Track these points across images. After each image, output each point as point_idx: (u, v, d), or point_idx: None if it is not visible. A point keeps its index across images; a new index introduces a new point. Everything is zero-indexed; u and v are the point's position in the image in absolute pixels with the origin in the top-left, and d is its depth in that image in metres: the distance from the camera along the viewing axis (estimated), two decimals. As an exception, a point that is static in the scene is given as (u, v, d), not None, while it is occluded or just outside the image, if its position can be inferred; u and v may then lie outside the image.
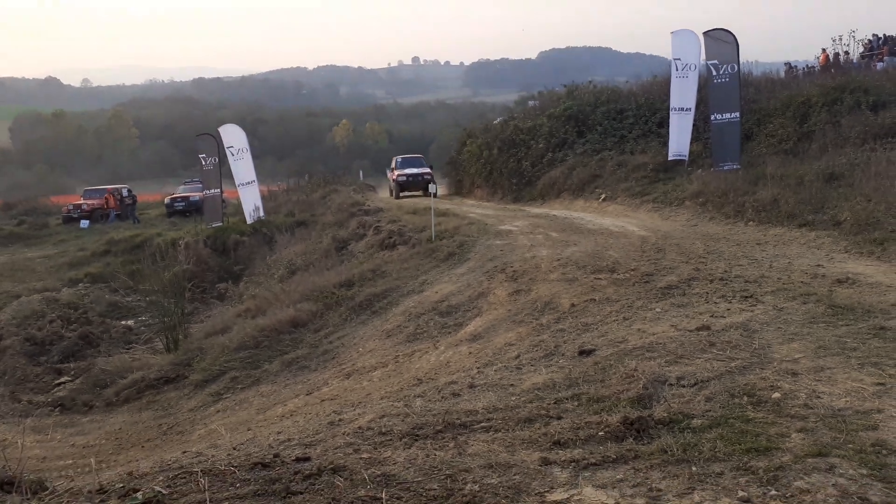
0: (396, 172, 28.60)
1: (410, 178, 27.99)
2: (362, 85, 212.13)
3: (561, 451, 4.26)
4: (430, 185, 18.49)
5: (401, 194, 27.60)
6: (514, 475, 3.92)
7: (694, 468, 3.78)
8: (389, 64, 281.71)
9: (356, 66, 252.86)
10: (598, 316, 7.81)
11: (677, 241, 11.60)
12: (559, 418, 4.85)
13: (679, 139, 18.32)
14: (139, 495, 3.31)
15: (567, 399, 5.22)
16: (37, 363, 14.25)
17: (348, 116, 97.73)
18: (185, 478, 4.34)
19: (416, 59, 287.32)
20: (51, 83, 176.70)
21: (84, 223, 28.86)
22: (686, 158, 18.25)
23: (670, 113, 18.58)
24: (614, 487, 3.66)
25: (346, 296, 13.06)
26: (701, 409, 4.61)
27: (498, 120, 31.99)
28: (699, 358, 5.65)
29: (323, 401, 8.07)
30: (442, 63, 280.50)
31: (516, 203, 21.99)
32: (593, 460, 4.04)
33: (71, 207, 31.08)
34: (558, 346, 6.98)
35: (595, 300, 8.49)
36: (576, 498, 3.57)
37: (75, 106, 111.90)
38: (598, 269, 10.06)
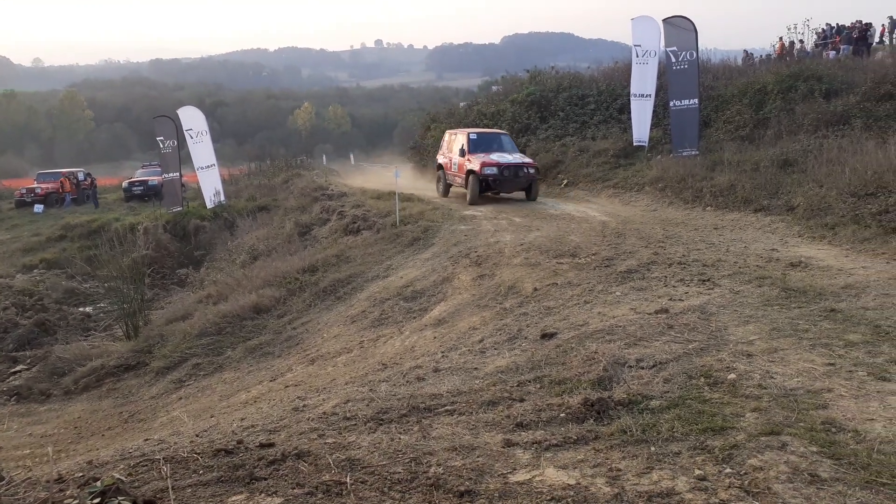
0: (475, 160, 17.06)
1: (506, 172, 16.68)
2: (325, 67, 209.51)
3: (523, 433, 4.33)
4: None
5: (482, 195, 17.07)
6: (478, 457, 3.98)
7: (652, 448, 3.88)
8: (352, 46, 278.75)
9: (318, 49, 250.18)
10: (560, 300, 7.93)
11: (637, 226, 11.80)
12: (522, 400, 4.93)
13: (640, 125, 18.56)
14: (98, 483, 3.27)
15: (529, 382, 5.30)
16: (-10, 352, 13.86)
17: (310, 99, 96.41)
18: (146, 465, 4.30)
19: (378, 41, 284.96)
20: (1, 62, 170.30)
21: (38, 208, 28.06)
22: (646, 144, 18.51)
23: (631, 99, 18.80)
24: (575, 468, 3.74)
25: (309, 281, 12.97)
26: (659, 390, 4.74)
27: (462, 105, 31.96)
28: (658, 340, 5.79)
29: (287, 387, 8.03)
30: (405, 46, 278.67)
31: (480, 188, 22.02)
32: (555, 441, 4.12)
33: (24, 191, 30.16)
34: (521, 329, 7.07)
35: (557, 284, 8.60)
36: (538, 478, 3.64)
37: (26, 86, 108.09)
38: (561, 253, 10.18)
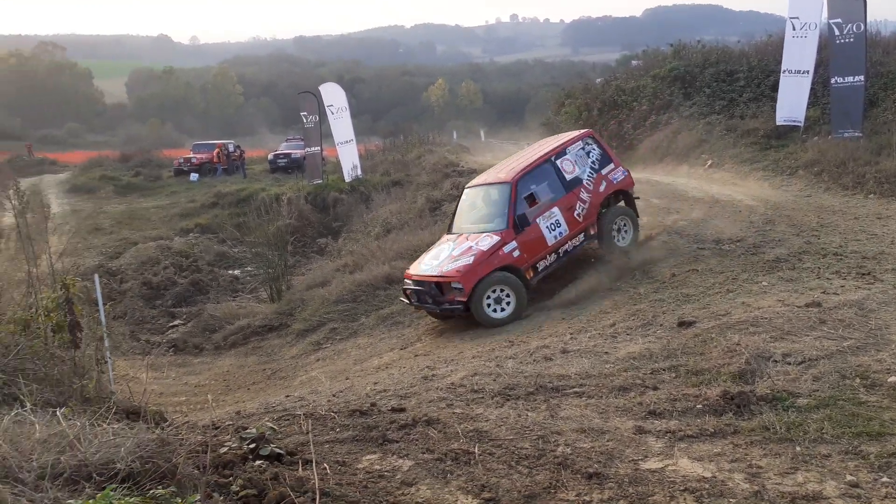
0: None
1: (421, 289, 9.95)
2: (459, 43, 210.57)
3: (656, 421, 4.22)
4: None
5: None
6: (608, 441, 3.93)
7: (798, 448, 3.65)
8: (487, 22, 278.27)
9: (453, 24, 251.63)
10: (701, 287, 7.58)
11: (788, 213, 10.98)
12: (655, 388, 4.79)
13: (792, 103, 17.14)
14: (253, 430, 3.55)
15: (664, 370, 5.14)
16: (153, 306, 15.30)
17: (444, 75, 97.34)
18: (288, 420, 4.62)
19: (514, 16, 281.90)
20: (162, 40, 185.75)
21: (194, 176, 30.32)
22: (801, 124, 17.11)
23: (782, 75, 17.40)
24: (711, 461, 3.60)
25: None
26: (808, 388, 4.43)
27: (599, 80, 31.03)
28: (808, 335, 5.40)
29: (416, 356, 8.28)
30: (541, 20, 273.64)
31: (615, 167, 21.38)
32: (690, 432, 3.98)
33: (181, 161, 32.65)
34: (656, 316, 6.84)
35: (697, 271, 8.23)
36: (671, 468, 3.54)
37: (184, 62, 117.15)
38: (702, 238, 9.71)
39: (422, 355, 8.23)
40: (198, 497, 2.64)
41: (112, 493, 2.45)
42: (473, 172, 20.53)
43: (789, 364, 4.87)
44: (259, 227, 16.24)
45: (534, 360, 5.95)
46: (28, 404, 3.59)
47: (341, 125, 22.55)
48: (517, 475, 3.52)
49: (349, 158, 22.80)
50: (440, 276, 9.17)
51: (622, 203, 10.27)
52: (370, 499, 3.19)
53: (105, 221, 21.59)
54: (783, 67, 17.55)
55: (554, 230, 9.44)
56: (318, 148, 23.62)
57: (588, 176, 9.89)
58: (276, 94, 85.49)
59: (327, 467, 3.48)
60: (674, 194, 14.00)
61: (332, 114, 22.43)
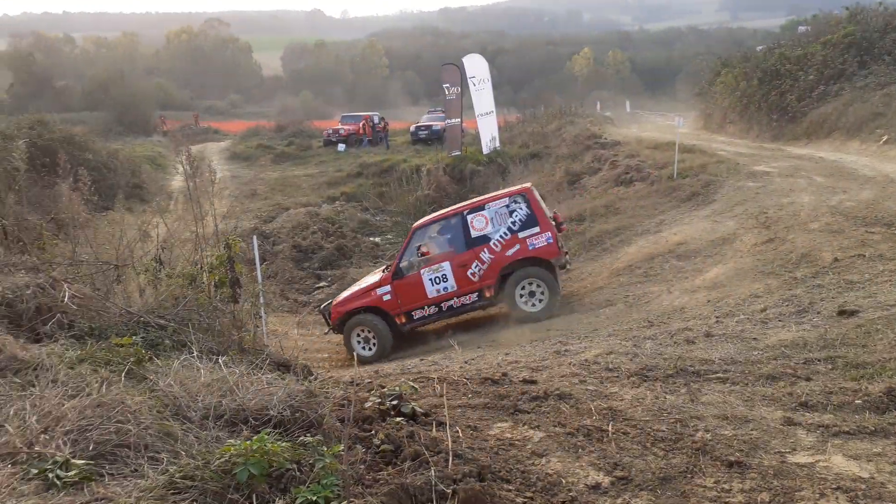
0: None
1: None
2: (607, 10, 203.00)
3: (807, 414, 3.94)
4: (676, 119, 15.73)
5: None
6: (752, 430, 3.72)
7: (979, 458, 3.26)
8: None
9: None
10: (867, 274, 6.90)
11: (979, 195, 9.71)
12: (808, 379, 4.46)
13: None
14: (397, 388, 3.71)
15: (819, 360, 4.77)
16: (301, 268, 16.30)
17: (590, 44, 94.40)
18: (423, 382, 4.77)
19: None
20: (315, 15, 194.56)
21: (341, 147, 31.72)
22: None
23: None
24: (870, 460, 3.31)
25: (576, 230, 12.99)
26: None
27: (761, 48, 28.79)
28: None
29: (549, 330, 8.24)
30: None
31: (775, 142, 19.81)
32: (846, 428, 3.68)
33: (330, 132, 34.24)
34: (813, 303, 6.33)
35: (864, 256, 7.49)
36: (822, 464, 3.30)
37: (335, 36, 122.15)
38: (872, 221, 8.81)
39: (554, 329, 8.17)
40: (341, 447, 2.80)
41: (266, 436, 2.65)
42: (617, 144, 19.91)
43: (972, 364, 4.35)
44: (399, 196, 16.75)
45: (674, 343, 5.72)
46: (195, 351, 3.97)
47: (482, 97, 22.56)
48: (652, 457, 3.42)
49: (488, 130, 22.82)
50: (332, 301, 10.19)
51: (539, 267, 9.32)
52: (501, 465, 3.24)
53: (261, 187, 23.16)
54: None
55: (437, 284, 9.36)
56: (459, 120, 23.82)
57: (499, 236, 9.36)
58: (420, 67, 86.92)
59: (459, 431, 3.56)
60: (841, 172, 12.81)
61: (474, 85, 22.47)
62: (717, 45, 64.16)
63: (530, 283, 9.29)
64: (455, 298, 9.38)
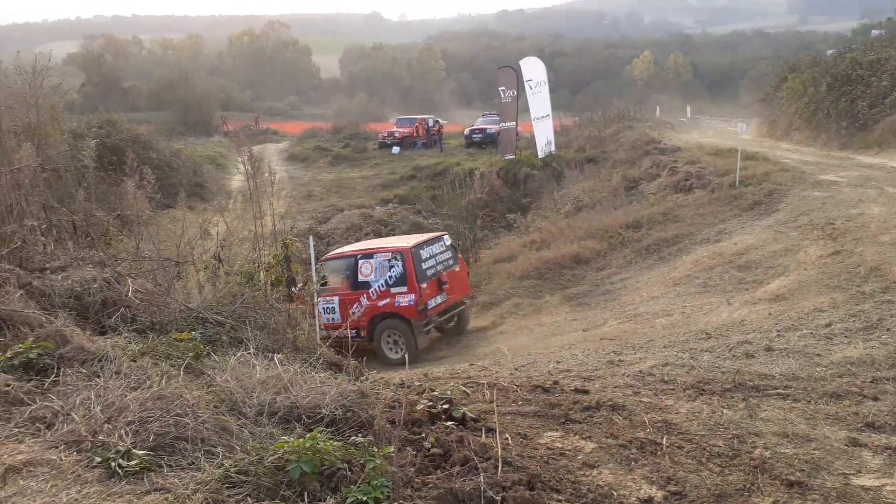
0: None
1: None
2: (669, 13, 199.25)
3: (874, 435, 3.77)
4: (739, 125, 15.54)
5: None
6: (814, 450, 3.58)
7: None
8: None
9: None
10: (942, 291, 6.57)
11: None
12: (875, 399, 4.28)
13: None
14: (448, 392, 3.72)
15: (888, 380, 4.57)
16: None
17: (650, 47, 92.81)
18: (472, 387, 4.75)
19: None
20: (374, 18, 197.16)
21: (395, 149, 31.96)
22: None
23: None
24: (942, 488, 3.14)
25: (632, 237, 12.77)
26: None
27: (830, 52, 27.78)
28: None
29: (602, 339, 8.11)
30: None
31: (844, 150, 19.05)
32: (917, 453, 3.50)
33: (385, 134, 34.58)
34: (882, 319, 6.05)
35: (939, 272, 7.13)
36: (889, 488, 3.16)
37: (393, 39, 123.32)
38: (947, 235, 8.40)
39: (607, 339, 8.04)
40: (392, 449, 2.81)
41: (318, 434, 2.69)
42: (677, 150, 19.48)
43: None
44: (452, 199, 16.79)
45: (733, 356, 5.56)
46: (251, 348, 4.05)
47: (539, 100, 22.43)
48: (707, 472, 3.33)
49: (544, 134, 22.67)
50: None
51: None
52: (551, 475, 3.20)
53: (317, 188, 23.55)
54: None
55: (327, 314, 10.14)
56: (514, 123, 23.72)
57: (377, 286, 10.18)
58: (475, 70, 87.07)
59: (509, 438, 3.53)
60: (915, 183, 12.25)
61: (531, 88, 22.36)
62: (784, 49, 62.27)
63: (393, 334, 10.19)
64: (340, 329, 9.63)
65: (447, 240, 11.12)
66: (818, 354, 5.33)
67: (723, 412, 4.17)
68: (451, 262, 10.85)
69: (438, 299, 10.30)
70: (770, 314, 7.31)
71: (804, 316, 6.81)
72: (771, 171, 14.45)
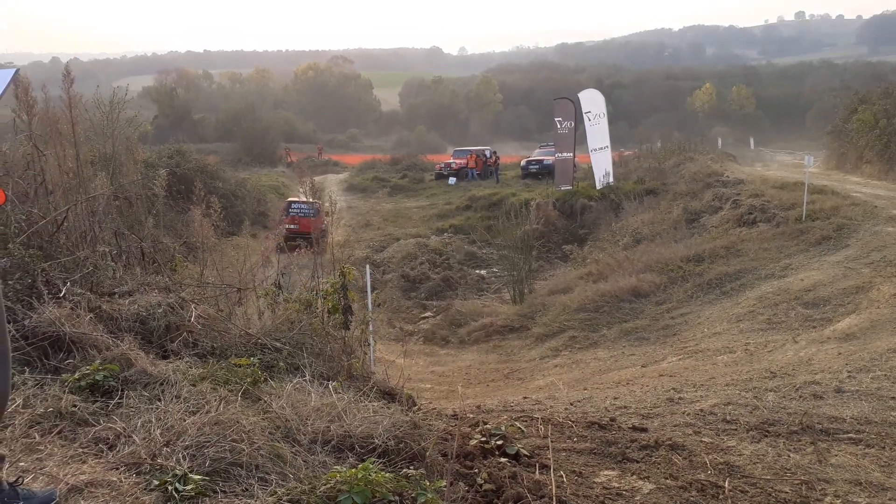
0: None
1: None
2: (732, 45, 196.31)
3: (957, 488, 3.52)
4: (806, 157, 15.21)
5: None
6: (890, 499, 3.38)
7: None
8: (766, 21, 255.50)
9: (726, 25, 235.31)
10: None
11: None
12: (958, 449, 4.00)
13: None
14: (503, 428, 3.67)
15: (972, 428, 4.27)
16: (408, 297, 16.62)
17: (712, 79, 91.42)
18: (525, 421, 4.67)
19: (800, 13, 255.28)
20: (434, 52, 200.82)
21: (451, 180, 32.30)
22: None
23: None
24: None
25: (693, 271, 12.46)
26: None
27: (902, 83, 26.76)
28: None
29: (661, 376, 7.89)
30: (833, 17, 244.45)
31: (917, 184, 18.30)
32: None
33: (442, 165, 35.04)
34: (964, 362, 5.71)
35: None
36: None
37: (452, 72, 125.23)
38: None
39: (667, 376, 7.80)
40: (444, 483, 2.78)
41: (371, 465, 2.68)
42: (740, 183, 19.02)
43: None
44: (507, 230, 16.75)
45: (800, 397, 5.31)
46: (307, 375, 4.10)
47: (597, 131, 22.32)
48: (772, 521, 3.17)
49: (602, 165, 22.49)
50: None
51: None
52: (606, 516, 3.10)
53: (374, 218, 23.90)
54: None
55: None
56: (571, 154, 23.63)
57: None
58: (533, 102, 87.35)
59: (564, 475, 3.45)
60: None
61: (589, 120, 22.28)
62: (854, 80, 60.30)
63: None
64: None
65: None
66: (893, 398, 5.05)
67: (789, 456, 3.98)
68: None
69: None
70: (840, 353, 6.98)
71: (877, 356, 6.47)
72: (840, 206, 13.94)
